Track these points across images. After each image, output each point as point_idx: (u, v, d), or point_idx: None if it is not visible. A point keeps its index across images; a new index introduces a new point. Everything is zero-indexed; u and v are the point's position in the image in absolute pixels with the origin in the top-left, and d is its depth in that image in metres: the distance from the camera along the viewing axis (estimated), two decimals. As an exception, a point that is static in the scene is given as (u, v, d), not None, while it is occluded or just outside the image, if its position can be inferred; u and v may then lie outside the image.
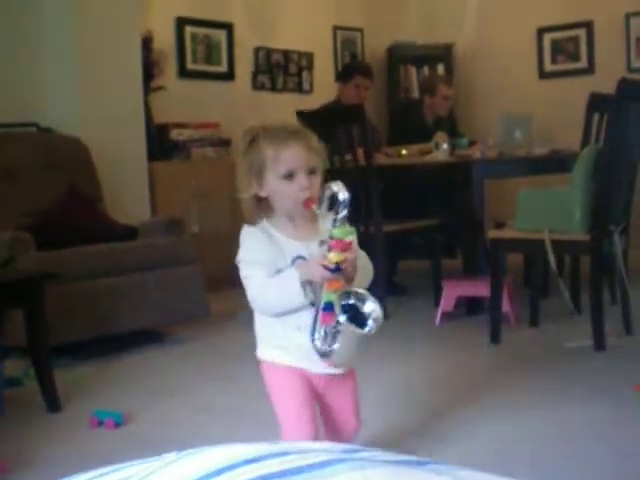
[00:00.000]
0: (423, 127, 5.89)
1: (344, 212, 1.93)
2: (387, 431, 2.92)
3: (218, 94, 6.55)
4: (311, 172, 2.02)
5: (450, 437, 2.87)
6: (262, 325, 2.18)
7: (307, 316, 2.03)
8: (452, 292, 4.74)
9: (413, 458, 0.73)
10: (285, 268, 2.03)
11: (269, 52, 7.01)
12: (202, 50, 6.55)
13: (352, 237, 1.97)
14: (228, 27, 6.67)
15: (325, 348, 2.01)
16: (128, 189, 5.30)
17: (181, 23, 6.42)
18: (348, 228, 1.94)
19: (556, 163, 5.30)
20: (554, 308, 4.67)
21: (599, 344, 3.89)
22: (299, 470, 0.63)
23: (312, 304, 2.00)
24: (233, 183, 6.21)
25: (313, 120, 5.23)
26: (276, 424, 3.11)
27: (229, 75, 6.72)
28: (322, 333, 2.00)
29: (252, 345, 4.53)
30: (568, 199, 3.92)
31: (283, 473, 0.62)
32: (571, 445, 2.75)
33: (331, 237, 1.93)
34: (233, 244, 6.38)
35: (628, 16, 6.94)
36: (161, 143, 5.93)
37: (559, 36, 7.36)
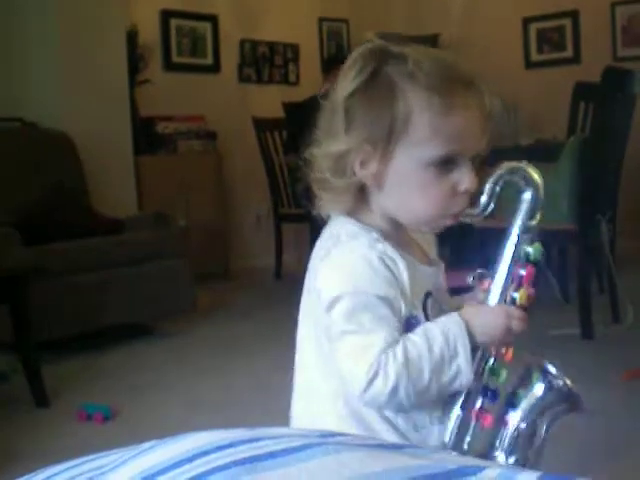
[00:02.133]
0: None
1: (532, 210, 1.20)
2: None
3: (204, 87, 6.53)
4: (475, 160, 1.19)
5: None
6: (355, 419, 1.19)
7: (436, 406, 1.19)
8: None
9: (391, 443, 0.73)
10: (418, 312, 1.18)
11: (254, 44, 6.98)
12: (187, 43, 6.52)
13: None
14: (213, 19, 6.65)
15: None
16: (114, 183, 5.27)
17: (166, 16, 6.39)
18: (538, 245, 1.20)
19: (542, 152, 5.30)
20: (542, 297, 4.67)
21: (586, 332, 3.89)
22: (272, 455, 0.62)
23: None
24: (220, 176, 6.15)
25: (299, 112, 5.23)
26: (265, 417, 3.11)
27: (215, 67, 6.70)
28: (467, 440, 1.18)
29: (240, 338, 4.52)
30: (554, 188, 3.92)
31: (256, 458, 0.62)
32: (560, 432, 2.75)
33: (526, 260, 1.20)
34: (221, 237, 6.33)
35: (613, 5, 6.93)
36: (147, 137, 5.91)
37: (545, 26, 7.35)
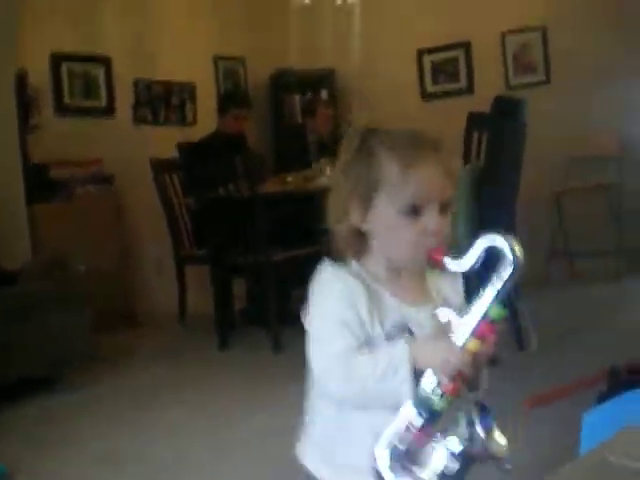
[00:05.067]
0: (306, 150, 5.95)
1: (510, 281, 1.29)
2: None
3: (99, 130, 6.38)
4: (443, 208, 1.40)
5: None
6: (320, 415, 1.49)
7: (384, 420, 1.35)
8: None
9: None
10: (378, 338, 1.40)
11: (149, 84, 6.88)
12: (80, 85, 6.39)
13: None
14: (106, 61, 6.53)
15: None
16: (6, 234, 5.09)
17: (57, 59, 6.25)
18: (503, 309, 1.32)
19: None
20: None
21: (490, 360, 3.88)
22: None
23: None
24: (119, 220, 6.00)
25: (194, 152, 5.17)
26: (178, 464, 3.03)
27: (109, 110, 6.56)
28: (395, 456, 1.32)
29: (147, 386, 4.40)
30: (451, 216, 3.93)
31: None
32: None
33: (484, 316, 1.30)
34: (123, 282, 6.16)
35: (504, 35, 7.08)
36: (41, 184, 5.73)
37: (438, 57, 7.46)
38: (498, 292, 1.29)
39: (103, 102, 6.54)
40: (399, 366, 1.32)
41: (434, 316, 1.36)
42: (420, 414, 1.31)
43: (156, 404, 3.91)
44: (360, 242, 1.46)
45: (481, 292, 1.31)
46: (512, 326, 4.21)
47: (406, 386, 1.31)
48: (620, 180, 6.35)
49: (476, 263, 1.31)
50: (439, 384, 1.31)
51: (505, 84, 7.06)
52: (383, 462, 1.31)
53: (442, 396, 1.30)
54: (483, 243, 1.31)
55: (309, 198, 5.24)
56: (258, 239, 4.71)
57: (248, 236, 4.72)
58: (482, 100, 5.45)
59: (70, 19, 6.32)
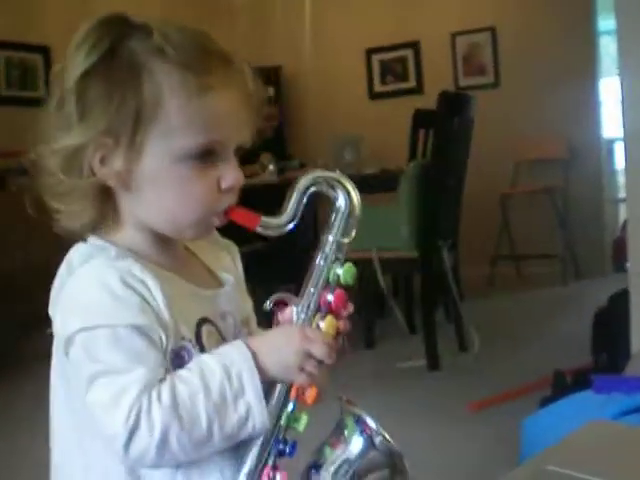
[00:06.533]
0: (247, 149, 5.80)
1: (347, 228, 0.98)
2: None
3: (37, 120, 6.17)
4: (236, 153, 1.00)
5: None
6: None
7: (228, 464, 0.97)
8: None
9: None
10: (187, 346, 0.96)
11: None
12: (17, 75, 6.18)
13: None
14: (44, 50, 6.31)
15: None
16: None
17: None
18: (352, 266, 0.99)
19: (386, 181, 5.24)
20: (391, 328, 4.56)
21: (432, 363, 3.79)
22: None
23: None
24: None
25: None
26: None
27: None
28: None
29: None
30: (394, 216, 3.82)
31: None
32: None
33: (327, 282, 0.97)
34: (52, 277, 5.99)
35: (454, 35, 7.00)
36: (-27, 174, 5.53)
37: (387, 57, 7.36)
38: (337, 244, 0.98)
39: (42, 92, 6.32)
40: (243, 381, 0.91)
41: (269, 306, 0.98)
42: (278, 446, 0.96)
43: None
44: (105, 205, 0.98)
45: (316, 253, 0.99)
46: (454, 327, 4.13)
47: (259, 407, 0.92)
48: (567, 184, 6.30)
49: (295, 216, 0.97)
50: (289, 393, 0.95)
51: (454, 85, 6.98)
52: None
53: (300, 409, 0.96)
54: (302, 185, 0.97)
55: (248, 194, 5.11)
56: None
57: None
58: (431, 100, 5.36)
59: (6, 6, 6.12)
